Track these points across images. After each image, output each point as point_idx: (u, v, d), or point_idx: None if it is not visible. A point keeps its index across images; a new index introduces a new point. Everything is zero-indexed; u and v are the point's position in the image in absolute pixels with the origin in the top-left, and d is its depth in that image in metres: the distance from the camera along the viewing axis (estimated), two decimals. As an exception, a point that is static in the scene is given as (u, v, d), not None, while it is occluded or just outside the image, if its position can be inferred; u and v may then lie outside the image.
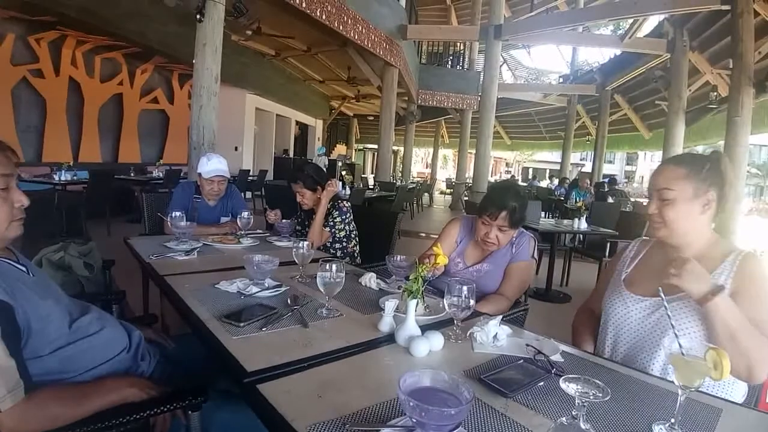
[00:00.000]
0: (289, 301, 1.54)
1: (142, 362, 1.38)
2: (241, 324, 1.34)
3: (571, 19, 9.91)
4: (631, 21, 9.95)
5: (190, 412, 1.20)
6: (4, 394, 0.97)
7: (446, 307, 1.35)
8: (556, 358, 1.23)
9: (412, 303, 1.31)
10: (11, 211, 1.16)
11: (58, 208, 5.86)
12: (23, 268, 1.22)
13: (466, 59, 16.09)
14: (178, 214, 2.41)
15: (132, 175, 7.84)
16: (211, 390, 1.25)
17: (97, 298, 1.81)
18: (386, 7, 9.61)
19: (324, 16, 7.09)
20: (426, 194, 14.72)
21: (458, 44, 16.03)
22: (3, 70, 6.76)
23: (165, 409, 1.18)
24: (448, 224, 2.24)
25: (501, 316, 1.39)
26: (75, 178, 6.56)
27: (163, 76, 10.38)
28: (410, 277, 1.37)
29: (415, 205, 11.98)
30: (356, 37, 8.19)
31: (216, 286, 1.71)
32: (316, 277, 1.49)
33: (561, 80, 19.21)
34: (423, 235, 8.55)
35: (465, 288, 1.32)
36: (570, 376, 0.87)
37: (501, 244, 2.00)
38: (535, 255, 2.09)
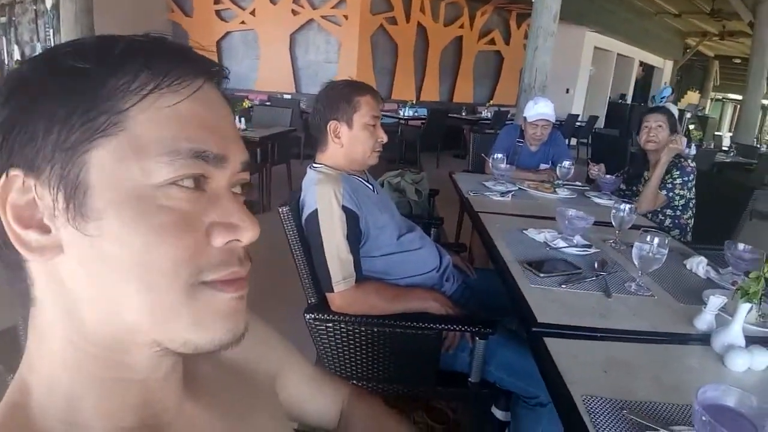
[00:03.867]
0: (596, 265, 1.44)
1: (447, 282, 1.55)
2: (542, 274, 1.34)
3: None
4: None
5: (477, 338, 1.30)
6: (340, 279, 1.28)
7: None
8: None
9: (744, 307, 1.03)
10: (374, 143, 1.45)
11: (400, 139, 6.97)
12: (370, 187, 1.52)
13: None
14: (499, 156, 2.51)
15: (463, 114, 8.54)
16: (499, 326, 1.33)
17: (421, 220, 2.10)
18: None
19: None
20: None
21: None
22: (365, 19, 8.04)
23: (458, 329, 1.32)
24: None
25: None
26: (416, 114, 7.60)
27: (501, 16, 10.55)
28: (750, 275, 1.07)
29: None
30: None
31: (524, 231, 1.75)
32: (631, 246, 1.33)
33: None
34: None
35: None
36: None
37: None
38: None
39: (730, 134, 12.12)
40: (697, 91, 18.57)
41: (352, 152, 1.44)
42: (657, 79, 15.65)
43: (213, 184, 0.38)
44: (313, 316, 1.31)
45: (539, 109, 2.77)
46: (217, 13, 8.33)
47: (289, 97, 7.60)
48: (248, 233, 0.38)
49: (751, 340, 1.02)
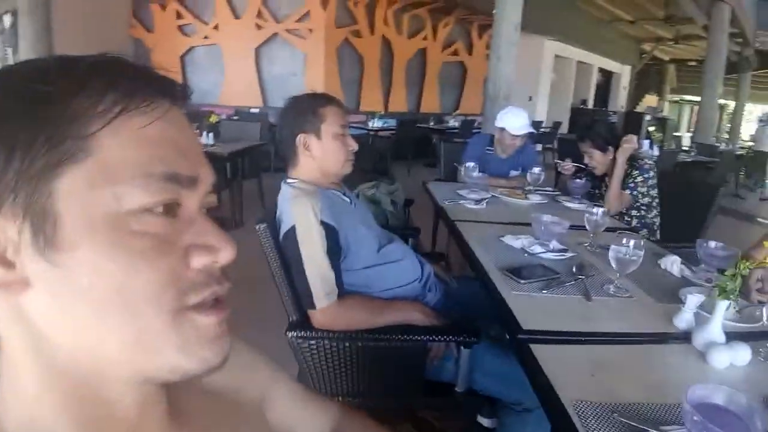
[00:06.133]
0: (574, 269, 1.46)
1: (429, 293, 1.55)
2: (522, 281, 1.35)
3: None
4: None
5: (462, 347, 1.30)
6: (322, 296, 1.26)
7: (765, 317, 1.06)
8: None
9: (723, 304, 1.06)
10: (346, 152, 1.45)
11: (371, 149, 7.01)
12: (348, 200, 1.51)
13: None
14: (471, 164, 2.55)
15: (431, 124, 8.66)
16: (483, 333, 1.33)
17: (398, 231, 2.09)
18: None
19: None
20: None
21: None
22: (330, 32, 8.10)
23: (443, 339, 1.32)
24: None
25: None
26: (385, 125, 7.66)
27: (463, 28, 10.77)
28: (726, 273, 1.11)
29: (742, 176, 9.25)
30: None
31: (501, 238, 1.76)
32: (607, 248, 1.36)
33: None
34: (749, 215, 6.81)
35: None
36: None
37: None
38: None
39: (689, 134, 12.61)
40: (655, 94, 19.31)
41: (325, 163, 1.43)
42: (616, 84, 16.25)
43: (186, 207, 0.37)
44: (295, 334, 1.28)
45: (521, 122, 2.84)
46: (180, 28, 8.22)
47: (256, 110, 7.53)
48: (225, 253, 0.38)
49: (730, 336, 1.05)
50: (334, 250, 1.31)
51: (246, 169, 4.58)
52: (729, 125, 14.02)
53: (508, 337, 1.20)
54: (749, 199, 8.16)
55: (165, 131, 0.35)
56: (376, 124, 7.62)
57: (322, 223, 1.28)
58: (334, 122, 1.41)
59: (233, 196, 4.26)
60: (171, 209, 0.36)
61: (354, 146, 1.47)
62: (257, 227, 1.33)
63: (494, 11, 4.87)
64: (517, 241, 1.73)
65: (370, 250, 1.44)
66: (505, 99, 4.87)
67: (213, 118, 4.65)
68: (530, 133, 2.94)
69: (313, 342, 1.30)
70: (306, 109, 1.41)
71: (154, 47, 8.18)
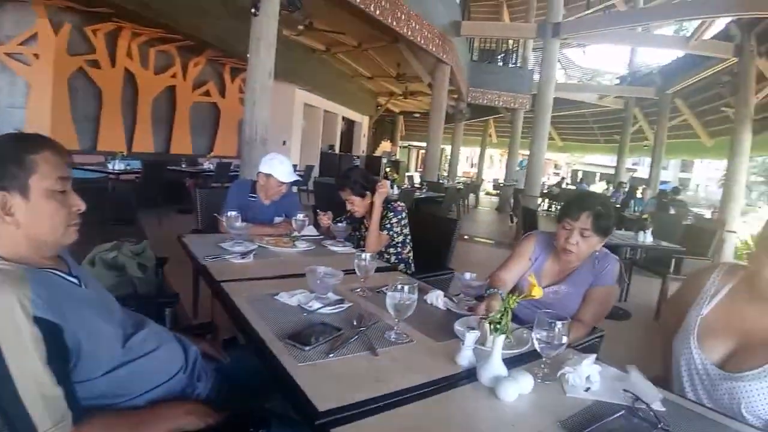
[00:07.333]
0: (354, 322, 1.41)
1: (199, 383, 1.27)
2: (307, 348, 1.22)
3: (635, 19, 9.32)
4: (697, 22, 9.37)
5: (250, 442, 1.09)
6: (50, 426, 0.88)
7: (535, 343, 1.18)
8: (657, 406, 1.08)
9: (500, 340, 1.14)
10: (67, 215, 1.07)
11: (111, 196, 6.02)
12: (75, 281, 1.11)
13: (519, 57, 15.65)
14: (233, 214, 2.34)
15: (183, 166, 7.90)
16: (272, 416, 1.15)
17: (150, 301, 1.74)
18: (440, 2, 9.38)
19: (378, 12, 6.94)
20: (472, 195, 14.34)
21: (510, 41, 15.64)
22: (60, 59, 6.93)
23: (225, 440, 1.08)
24: (523, 240, 2.06)
25: (594, 356, 1.23)
26: (128, 167, 6.68)
27: (215, 69, 10.51)
28: (497, 307, 1.20)
29: (461, 206, 11.67)
30: (409, 33, 7.98)
31: (275, 297, 1.60)
32: (377, 291, 1.35)
33: (618, 81, 18.31)
34: (467, 237, 8.30)
35: (559, 323, 1.15)
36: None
37: (581, 254, 1.82)
38: (625, 278, 1.90)
39: (418, 173, 14.89)
40: (389, 140, 22.46)
41: (35, 233, 1.03)
42: (357, 132, 18.21)
43: None
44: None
45: (288, 168, 2.88)
46: None
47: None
48: None
49: (508, 363, 1.14)
50: (59, 357, 0.93)
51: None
52: (448, 165, 17.08)
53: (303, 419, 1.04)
54: (467, 225, 9.96)
55: None
56: (117, 166, 6.55)
57: (36, 320, 0.90)
58: (48, 174, 1.03)
59: None
60: None
61: (80, 206, 1.10)
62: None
63: (248, 55, 4.81)
64: (292, 298, 1.59)
65: (112, 346, 1.08)
66: (262, 143, 4.82)
67: None
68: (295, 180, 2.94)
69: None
70: (6, 158, 1.00)
71: None
